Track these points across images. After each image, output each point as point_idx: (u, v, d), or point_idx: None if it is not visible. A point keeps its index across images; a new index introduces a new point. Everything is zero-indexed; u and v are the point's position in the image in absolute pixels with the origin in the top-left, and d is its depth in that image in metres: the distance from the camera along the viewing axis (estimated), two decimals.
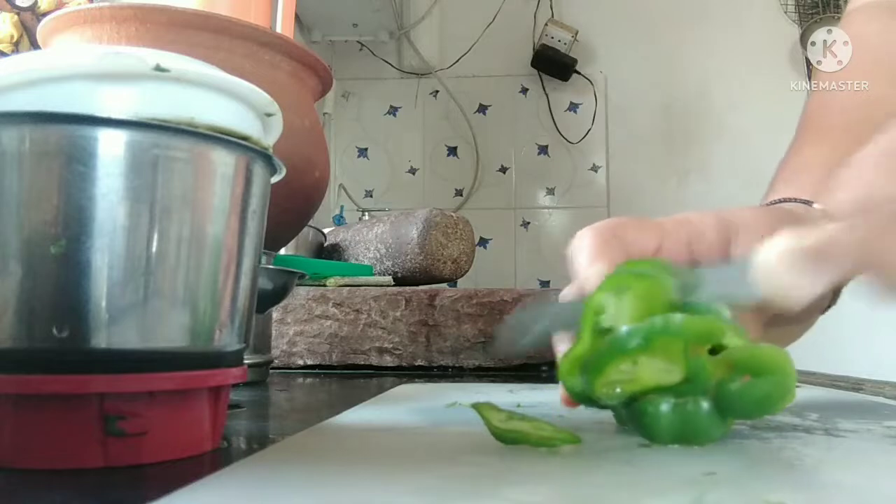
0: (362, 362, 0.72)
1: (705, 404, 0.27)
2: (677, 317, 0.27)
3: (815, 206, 0.39)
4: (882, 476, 0.24)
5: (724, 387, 0.27)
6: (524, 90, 1.97)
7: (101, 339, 0.24)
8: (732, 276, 0.29)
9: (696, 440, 0.27)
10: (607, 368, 0.27)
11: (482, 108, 1.97)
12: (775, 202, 0.41)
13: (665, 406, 0.27)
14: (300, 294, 0.72)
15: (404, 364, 0.71)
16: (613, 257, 0.32)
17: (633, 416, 0.28)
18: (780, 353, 0.27)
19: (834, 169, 0.38)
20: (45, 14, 0.62)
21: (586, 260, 0.33)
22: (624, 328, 0.27)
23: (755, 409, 0.27)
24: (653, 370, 0.27)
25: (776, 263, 0.27)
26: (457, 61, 1.93)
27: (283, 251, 0.92)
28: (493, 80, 1.96)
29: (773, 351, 0.27)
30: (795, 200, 0.40)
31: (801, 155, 0.45)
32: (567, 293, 0.34)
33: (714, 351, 0.27)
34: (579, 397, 0.30)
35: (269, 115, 0.30)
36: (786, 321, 0.27)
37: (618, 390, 0.28)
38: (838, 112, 0.48)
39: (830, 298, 0.40)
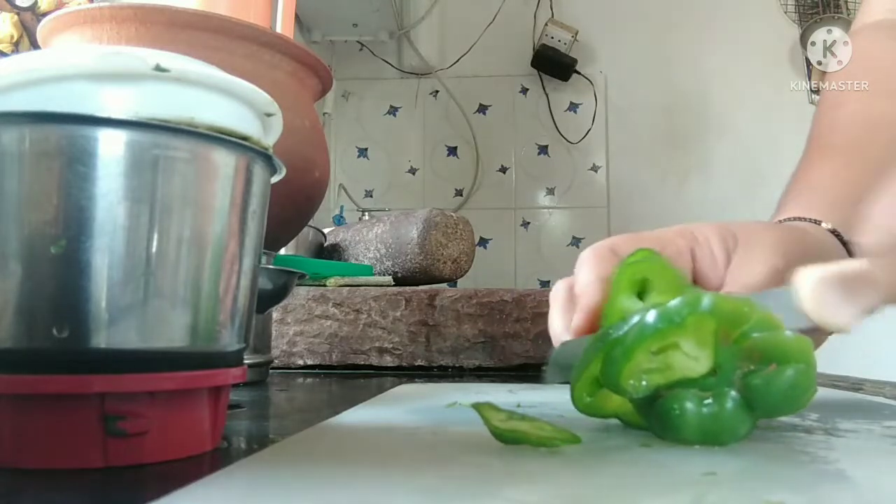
0: (362, 362, 0.72)
1: (733, 398, 0.26)
2: (706, 296, 0.26)
3: (823, 224, 0.40)
4: (882, 476, 0.24)
5: (749, 378, 0.26)
6: (524, 90, 1.97)
7: (101, 339, 0.24)
8: (778, 304, 0.28)
9: (724, 438, 0.27)
10: (637, 354, 0.26)
11: (482, 108, 1.97)
12: (785, 221, 0.41)
13: (691, 404, 0.26)
14: (300, 294, 0.72)
15: (404, 364, 0.71)
16: (609, 269, 0.33)
17: (656, 415, 0.27)
18: (803, 340, 0.26)
19: (854, 191, 0.38)
20: (45, 14, 0.62)
21: (584, 276, 0.35)
22: (651, 312, 0.26)
23: (782, 400, 0.26)
24: (681, 358, 0.27)
25: (812, 292, 0.27)
26: (457, 61, 1.93)
27: (283, 251, 0.92)
28: (493, 80, 1.96)
29: (795, 338, 0.26)
30: (804, 220, 0.40)
31: (810, 175, 0.46)
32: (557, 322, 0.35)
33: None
34: (587, 409, 0.30)
35: (269, 115, 0.30)
36: None
37: (644, 383, 0.27)
38: (844, 131, 0.48)
39: None
